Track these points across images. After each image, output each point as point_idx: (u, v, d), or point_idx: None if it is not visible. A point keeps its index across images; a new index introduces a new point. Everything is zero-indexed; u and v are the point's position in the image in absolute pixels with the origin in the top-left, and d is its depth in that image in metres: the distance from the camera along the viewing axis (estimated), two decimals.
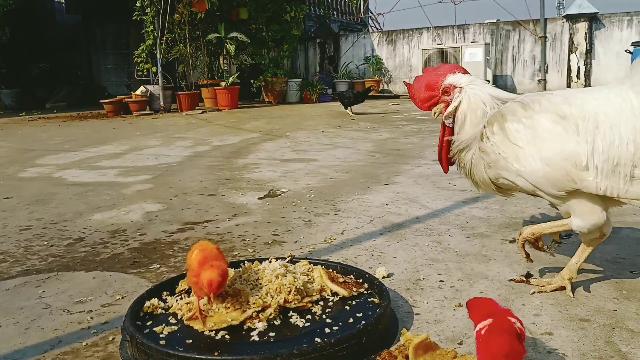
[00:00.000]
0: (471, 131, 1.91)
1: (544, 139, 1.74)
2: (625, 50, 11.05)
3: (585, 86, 12.37)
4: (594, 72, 12.41)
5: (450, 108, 1.94)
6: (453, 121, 1.96)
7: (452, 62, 11.61)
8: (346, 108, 9.02)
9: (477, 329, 1.35)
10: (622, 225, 2.66)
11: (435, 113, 2.00)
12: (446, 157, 2.03)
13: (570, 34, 12.49)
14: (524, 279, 2.02)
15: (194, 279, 1.62)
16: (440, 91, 1.96)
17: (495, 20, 13.39)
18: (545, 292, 1.91)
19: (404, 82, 2.21)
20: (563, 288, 1.91)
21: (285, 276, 1.79)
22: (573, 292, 1.89)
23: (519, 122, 1.79)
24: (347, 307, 1.73)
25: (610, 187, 1.69)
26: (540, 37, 12.77)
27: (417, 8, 29.58)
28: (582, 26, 12.34)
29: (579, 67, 12.48)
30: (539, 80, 12.88)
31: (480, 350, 1.31)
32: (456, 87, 1.94)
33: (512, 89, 13.10)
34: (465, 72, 1.99)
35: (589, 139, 1.70)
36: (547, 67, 12.82)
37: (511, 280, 2.03)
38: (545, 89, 12.66)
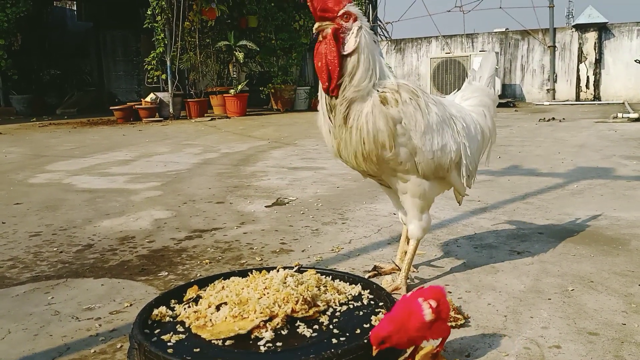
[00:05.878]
0: (365, 77, 1.80)
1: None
2: (635, 60, 11.01)
3: (594, 96, 12.34)
4: (603, 82, 12.37)
5: (352, 40, 1.81)
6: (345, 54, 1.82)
7: (461, 72, 11.63)
8: None
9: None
10: (630, 238, 2.65)
11: (320, 28, 1.86)
12: (337, 80, 1.82)
13: (580, 44, 12.47)
14: (376, 272, 2.24)
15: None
16: (340, 11, 1.81)
17: (504, 30, 13.40)
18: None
19: None
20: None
21: (293, 285, 1.79)
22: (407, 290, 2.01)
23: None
24: (355, 319, 1.73)
25: None
26: (549, 47, 12.75)
27: (426, 17, 29.65)
28: (591, 36, 12.32)
29: (588, 77, 12.45)
30: (547, 90, 12.85)
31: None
32: (356, 20, 1.82)
33: (521, 98, 13.09)
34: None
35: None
36: (556, 76, 12.79)
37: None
38: (554, 99, 12.64)
